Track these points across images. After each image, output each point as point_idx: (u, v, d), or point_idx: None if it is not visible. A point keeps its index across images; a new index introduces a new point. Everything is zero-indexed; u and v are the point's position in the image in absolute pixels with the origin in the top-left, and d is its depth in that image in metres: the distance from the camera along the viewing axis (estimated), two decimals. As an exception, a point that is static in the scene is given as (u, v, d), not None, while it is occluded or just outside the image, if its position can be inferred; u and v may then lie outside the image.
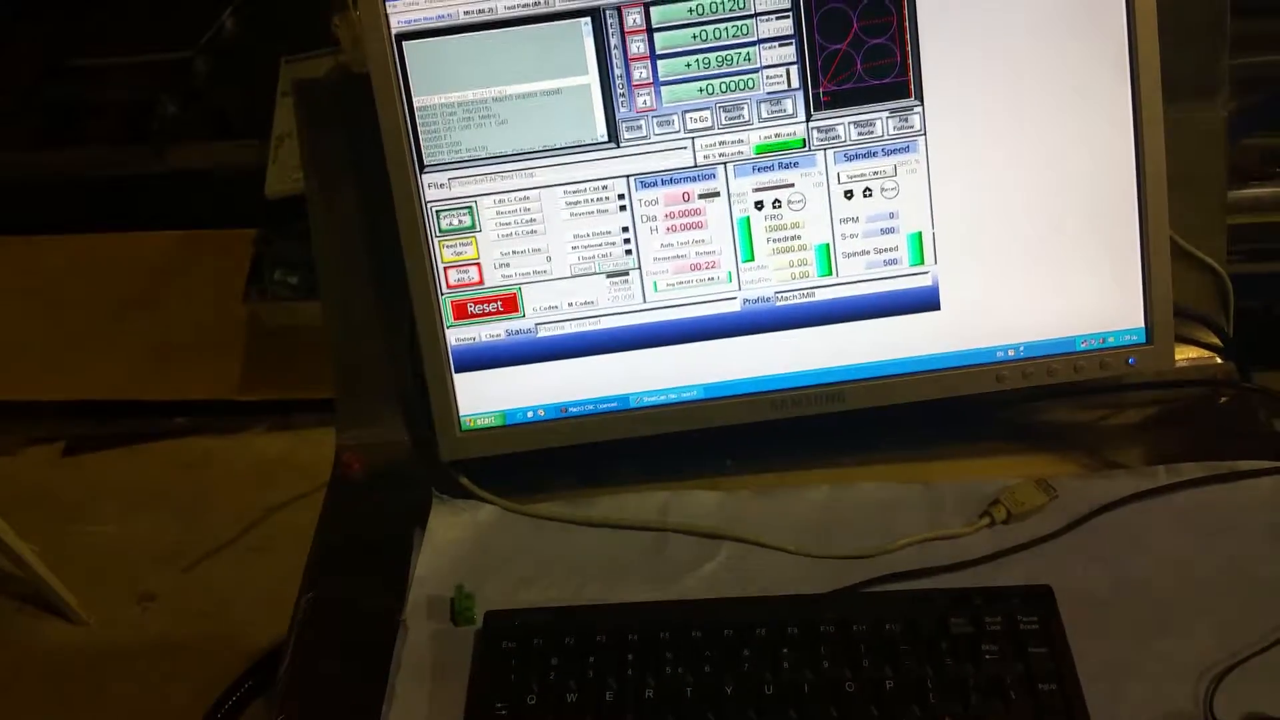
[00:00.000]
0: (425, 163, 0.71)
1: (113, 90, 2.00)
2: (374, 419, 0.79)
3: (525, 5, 0.69)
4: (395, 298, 0.74)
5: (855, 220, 0.70)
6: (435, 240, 0.72)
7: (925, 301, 0.71)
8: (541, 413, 0.73)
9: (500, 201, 0.71)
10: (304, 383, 1.92)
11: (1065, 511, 0.67)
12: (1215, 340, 0.78)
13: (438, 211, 0.71)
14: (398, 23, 0.69)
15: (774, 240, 0.71)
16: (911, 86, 0.69)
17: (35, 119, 1.88)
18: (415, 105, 0.70)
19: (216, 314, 1.83)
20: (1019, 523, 0.67)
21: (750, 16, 0.68)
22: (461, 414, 0.73)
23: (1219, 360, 0.78)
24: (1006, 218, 0.70)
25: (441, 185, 0.71)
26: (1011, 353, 0.71)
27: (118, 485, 1.92)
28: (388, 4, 0.69)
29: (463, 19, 0.69)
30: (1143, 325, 0.71)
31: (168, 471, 1.94)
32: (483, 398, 0.73)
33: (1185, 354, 0.77)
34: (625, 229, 0.71)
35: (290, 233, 1.74)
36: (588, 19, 0.69)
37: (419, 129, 0.70)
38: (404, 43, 0.70)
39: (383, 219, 0.73)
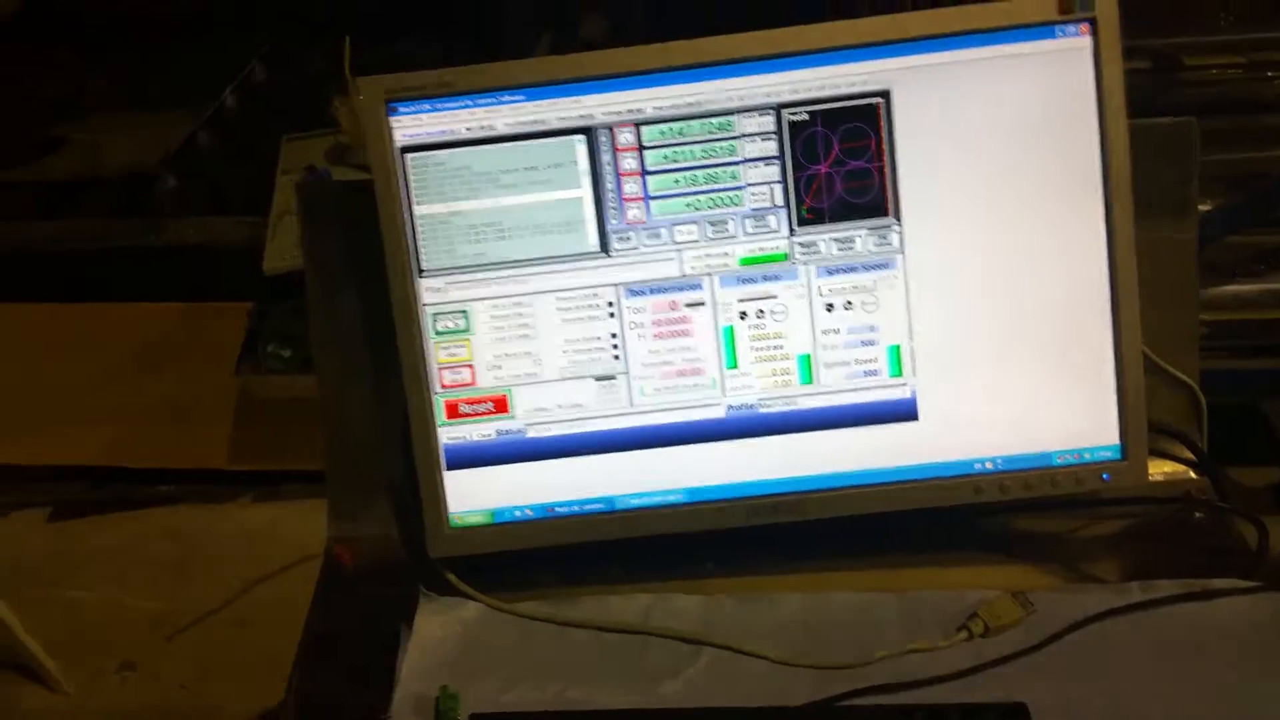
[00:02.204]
0: (424, 268, 0.73)
1: (112, 163, 2.04)
2: (366, 512, 0.80)
3: (523, 123, 0.72)
4: (389, 394, 0.76)
5: (836, 332, 0.73)
6: (430, 342, 0.74)
7: (903, 412, 0.73)
8: (529, 512, 0.74)
9: (494, 306, 0.73)
10: (292, 455, 1.92)
11: (1041, 627, 0.68)
12: (1189, 455, 0.80)
13: (434, 314, 0.74)
14: (402, 136, 0.72)
15: (757, 349, 0.73)
16: (890, 206, 0.72)
17: (35, 189, 1.92)
18: (416, 214, 0.73)
19: (208, 385, 1.84)
20: (995, 636, 0.68)
21: (736, 138, 0.72)
22: (450, 511, 0.74)
23: (1193, 475, 0.80)
24: (983, 332, 0.73)
25: (438, 289, 0.73)
26: (989, 465, 0.73)
27: (103, 552, 1.91)
28: (392, 119, 0.72)
29: (464, 134, 0.72)
30: (1118, 441, 0.73)
31: (153, 539, 1.93)
32: (472, 496, 0.75)
33: (1160, 468, 0.79)
34: (614, 335, 0.73)
35: (285, 308, 1.77)
36: (582, 136, 0.72)
37: (419, 236, 0.73)
38: (407, 155, 0.73)
39: (379, 317, 0.75)
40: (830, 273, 0.73)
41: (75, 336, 1.84)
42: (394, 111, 0.72)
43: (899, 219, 0.72)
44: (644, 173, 0.72)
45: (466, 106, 0.72)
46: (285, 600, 1.79)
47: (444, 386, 0.74)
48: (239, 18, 2.21)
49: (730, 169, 0.72)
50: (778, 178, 0.72)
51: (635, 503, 0.74)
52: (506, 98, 0.72)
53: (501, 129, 0.72)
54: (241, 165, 1.88)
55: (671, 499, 0.74)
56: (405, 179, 0.73)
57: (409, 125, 0.72)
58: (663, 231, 0.73)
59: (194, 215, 1.80)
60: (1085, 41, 0.70)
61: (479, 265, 0.73)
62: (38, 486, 2.04)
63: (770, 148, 0.72)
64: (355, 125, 1.84)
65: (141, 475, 2.00)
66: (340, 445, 0.82)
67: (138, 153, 2.01)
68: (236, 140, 1.93)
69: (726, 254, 0.73)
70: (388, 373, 0.76)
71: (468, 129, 0.72)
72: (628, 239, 0.73)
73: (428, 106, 0.72)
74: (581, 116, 0.72)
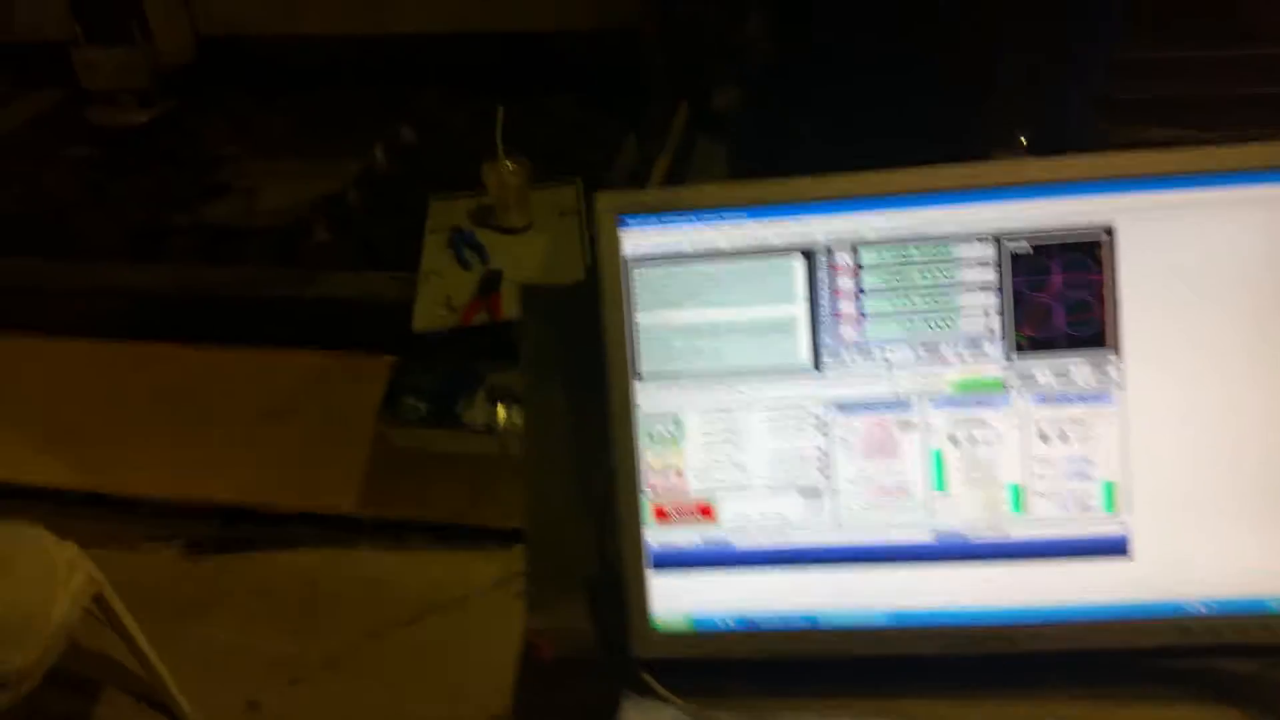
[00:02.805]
0: (641, 373, 0.76)
1: (268, 212, 2.14)
2: (563, 605, 0.82)
3: (745, 240, 0.74)
4: (593, 491, 0.79)
5: (1048, 462, 0.73)
6: (642, 445, 0.76)
7: (1115, 548, 0.73)
8: (731, 623, 0.76)
9: (706, 415, 0.75)
10: (419, 504, 1.98)
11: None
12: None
13: (648, 419, 0.76)
14: (630, 248, 0.75)
15: (967, 474, 0.74)
16: (1110, 339, 0.72)
17: (197, 236, 2.02)
18: (637, 321, 0.76)
19: (346, 432, 1.90)
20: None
21: (954, 263, 0.73)
22: (654, 614, 0.76)
23: None
24: (1203, 472, 0.72)
25: (654, 395, 0.76)
26: (1201, 608, 0.72)
27: (234, 590, 1.98)
28: (622, 231, 0.75)
29: (688, 249, 0.75)
30: (1340, 589, 0.72)
31: (283, 580, 1.99)
32: (676, 600, 0.76)
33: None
34: (822, 450, 0.75)
35: (425, 363, 1.82)
36: (801, 256, 0.74)
37: (639, 343, 0.76)
38: (633, 265, 0.75)
39: (588, 417, 0.78)
40: (1045, 402, 0.73)
41: (223, 377, 1.92)
42: (624, 224, 0.75)
43: (1119, 352, 0.72)
44: (860, 293, 0.74)
45: (692, 223, 0.75)
46: (408, 651, 1.84)
47: (652, 489, 0.76)
48: (395, 74, 2.32)
49: (946, 294, 0.73)
50: (995, 305, 0.73)
51: (838, 622, 0.75)
52: (730, 216, 0.74)
53: (723, 245, 0.75)
54: (389, 220, 1.95)
55: (875, 621, 0.74)
56: (630, 288, 0.76)
57: (637, 238, 0.75)
58: (875, 351, 0.74)
59: (342, 267, 1.88)
60: (1320, 187, 0.70)
61: (694, 374, 0.75)
62: (168, 521, 2.12)
63: (988, 275, 0.73)
64: (501, 190, 1.91)
65: (268, 515, 2.07)
66: (542, 537, 0.84)
67: (293, 203, 2.11)
68: (385, 196, 2.01)
69: (939, 377, 0.73)
70: (591, 469, 0.78)
71: (692, 244, 0.75)
72: (840, 356, 0.74)
73: (655, 221, 0.75)
74: (801, 237, 0.74)
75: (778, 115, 1.97)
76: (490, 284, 1.74)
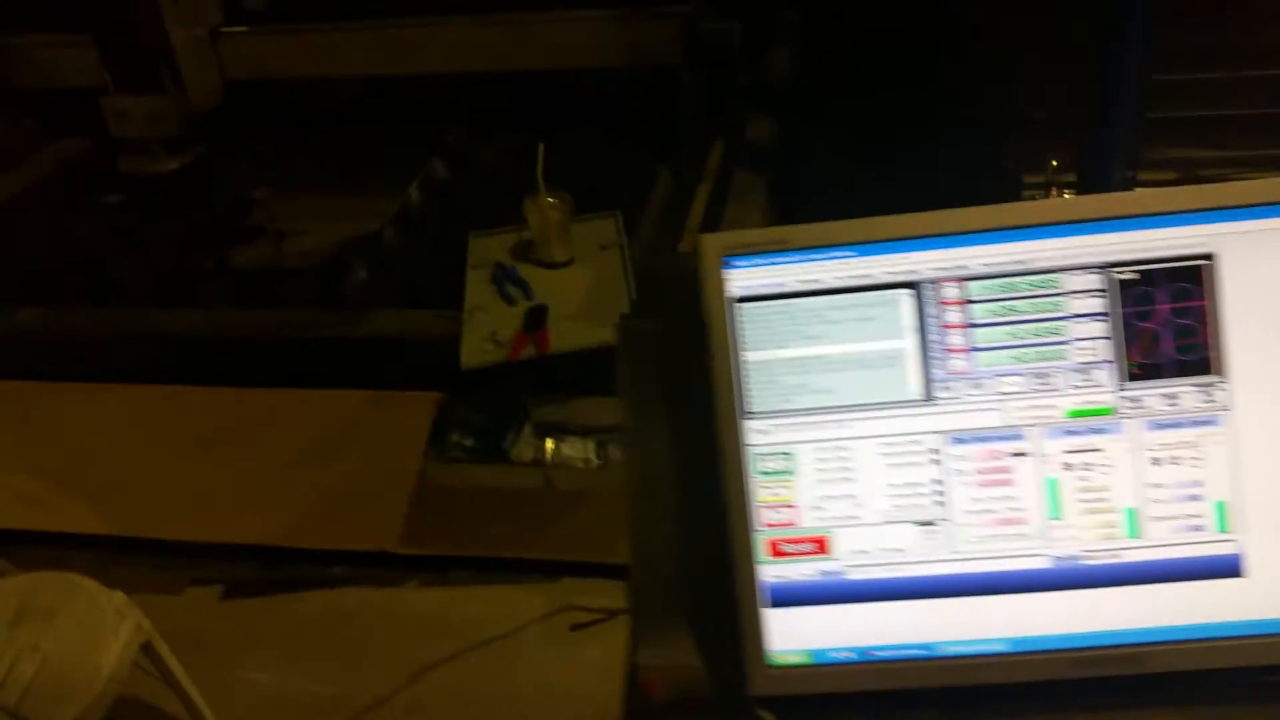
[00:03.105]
0: (749, 410, 0.77)
1: (304, 253, 2.16)
2: (670, 642, 0.82)
3: (851, 277, 0.76)
4: (698, 526, 0.79)
5: (1161, 486, 0.74)
6: (754, 481, 0.77)
7: (1229, 568, 0.74)
8: (849, 655, 0.76)
9: (818, 449, 0.76)
10: (462, 541, 1.98)
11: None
12: None
13: (758, 455, 0.77)
14: (735, 288, 0.77)
15: (1082, 501, 0.74)
16: (1216, 364, 0.73)
17: (234, 279, 2.03)
18: (744, 359, 0.77)
19: (388, 470, 1.91)
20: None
21: (1062, 294, 0.74)
22: (770, 650, 0.77)
23: None
24: (1316, 493, 0.73)
25: (764, 432, 0.77)
26: (1322, 626, 0.73)
27: (275, 632, 1.97)
28: (727, 271, 0.77)
29: (793, 287, 0.76)
30: None
31: (324, 621, 1.99)
32: (791, 635, 0.77)
33: None
34: (936, 481, 0.75)
35: (471, 399, 1.83)
36: (909, 290, 0.75)
37: (747, 381, 0.77)
38: (739, 305, 0.76)
39: (692, 451, 0.78)
40: (1156, 427, 0.74)
41: (264, 419, 1.92)
42: (729, 265, 0.77)
43: (1226, 376, 0.73)
44: (968, 326, 0.75)
45: (798, 261, 0.76)
46: (456, 688, 1.84)
47: (765, 525, 0.77)
48: (419, 113, 2.34)
49: (1055, 324, 0.74)
50: (1105, 334, 0.74)
51: (956, 650, 0.75)
52: (836, 254, 0.76)
53: (830, 282, 0.76)
54: (427, 258, 1.97)
55: (993, 648, 0.75)
56: (737, 327, 0.77)
57: (742, 278, 0.77)
58: (986, 382, 0.75)
59: (382, 305, 1.89)
60: None
61: (804, 410, 0.76)
62: (209, 563, 2.12)
63: (1097, 304, 0.74)
64: (543, 225, 1.92)
65: (310, 556, 2.07)
66: (646, 573, 0.84)
67: (327, 243, 2.12)
68: (421, 233, 2.02)
69: (1051, 406, 0.74)
70: (697, 505, 0.79)
71: (798, 281, 0.76)
72: (951, 388, 0.75)
73: (761, 261, 0.76)
74: (909, 272, 0.75)
75: (810, 148, 2.00)
76: (535, 319, 1.76)
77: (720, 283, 0.77)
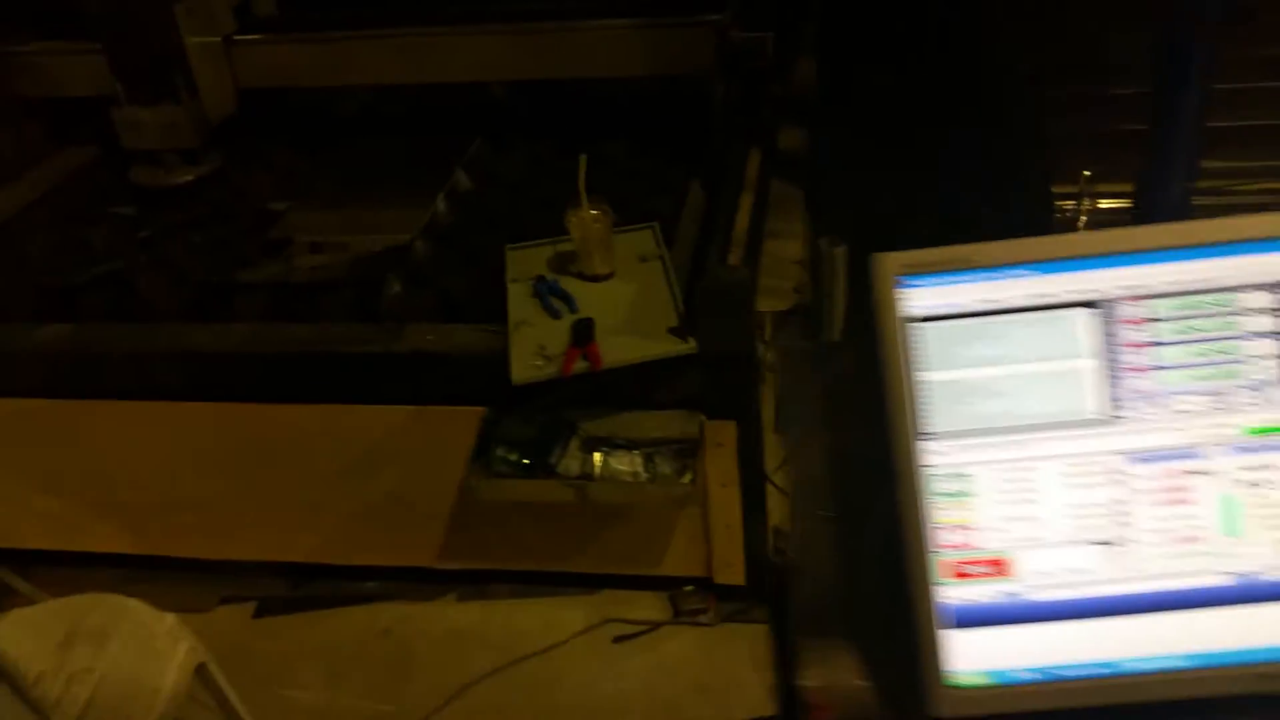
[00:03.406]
0: (925, 431, 0.76)
1: (337, 269, 2.11)
2: (833, 663, 0.82)
3: (1031, 296, 0.75)
4: (860, 547, 0.79)
5: (1340, 502, 0.75)
6: (930, 502, 0.76)
7: None
8: (1032, 675, 0.76)
9: (998, 470, 0.76)
10: (500, 555, 1.95)
11: None
12: None
13: (935, 476, 0.76)
14: (910, 308, 0.76)
15: (1262, 517, 0.75)
16: (1390, 380, 0.74)
17: (264, 293, 1.98)
18: (919, 379, 0.76)
19: (429, 486, 1.87)
20: None
21: (1239, 314, 0.75)
22: (951, 671, 0.76)
23: None
24: None
25: (940, 452, 0.76)
26: None
27: (315, 649, 1.92)
28: (902, 290, 0.76)
29: (970, 306, 0.76)
30: None
31: (363, 638, 1.94)
32: (971, 657, 0.76)
33: None
34: (1118, 501, 0.75)
35: (516, 413, 1.80)
36: (1091, 309, 0.75)
37: (922, 401, 0.76)
38: (914, 325, 0.76)
39: (855, 471, 0.78)
40: (1334, 444, 0.75)
41: (303, 435, 1.88)
42: (903, 284, 0.76)
43: (1401, 393, 0.74)
44: (1152, 344, 0.75)
45: (976, 281, 0.76)
46: (503, 702, 1.81)
47: (942, 546, 0.76)
48: (443, 120, 2.31)
49: (1232, 343, 0.75)
50: (1278, 351, 0.75)
51: (1139, 667, 0.75)
52: (1016, 273, 0.76)
53: (1009, 302, 0.76)
54: (460, 270, 1.93)
55: (1175, 664, 0.75)
56: (910, 347, 0.76)
57: (918, 297, 0.76)
58: (1164, 401, 0.75)
59: (418, 319, 1.85)
60: None
61: (982, 430, 0.76)
62: (236, 581, 2.06)
63: (1270, 323, 0.75)
64: (584, 237, 1.90)
65: (341, 572, 2.02)
66: (809, 594, 0.84)
67: (356, 256, 2.08)
68: (450, 246, 1.99)
69: (1230, 424, 0.75)
70: (858, 525, 0.78)
71: (975, 301, 0.76)
72: (1131, 408, 0.75)
73: (937, 280, 0.76)
74: (1090, 291, 0.75)
75: (842, 160, 2.00)
76: (583, 333, 1.73)
77: (893, 301, 0.76)
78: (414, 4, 2.25)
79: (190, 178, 2.15)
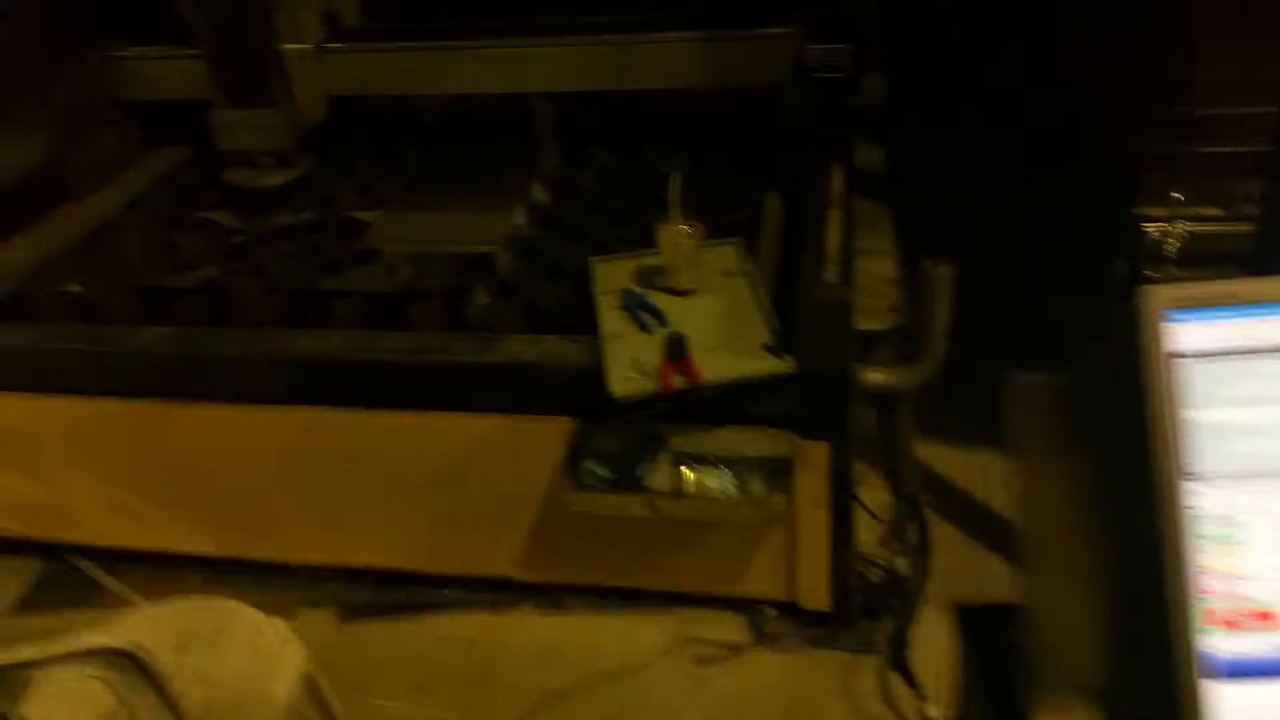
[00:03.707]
0: (1195, 472, 0.73)
1: (427, 278, 2.08)
2: (1071, 710, 0.78)
3: (1304, 334, 0.73)
4: (1111, 589, 0.75)
5: None
6: (1197, 548, 0.73)
7: None
8: (1304, 731, 0.73)
9: (1273, 517, 0.73)
10: (582, 568, 1.91)
11: None
12: None
13: (1203, 520, 0.73)
14: (1175, 343, 0.73)
15: None
16: None
17: (358, 301, 1.95)
18: (1189, 419, 0.73)
19: (515, 496, 1.84)
20: None
21: None
22: (1217, 725, 0.73)
23: None
24: None
25: (1205, 494, 0.73)
26: None
27: (401, 659, 1.88)
28: (1167, 325, 0.73)
29: (1241, 343, 0.73)
30: None
31: (445, 647, 1.91)
32: (1242, 711, 0.73)
33: None
34: (1395, 550, 0.73)
35: (608, 427, 1.77)
36: (1367, 349, 0.72)
37: (1191, 442, 0.73)
38: (1179, 361, 0.73)
39: (1097, 511, 0.74)
40: None
41: (391, 442, 1.85)
42: (1171, 319, 0.73)
43: None
44: None
45: (1248, 317, 0.73)
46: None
47: (1206, 593, 0.73)
48: (510, 131, 2.27)
49: None
50: None
51: None
52: (1289, 310, 0.73)
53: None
54: (544, 282, 1.90)
55: None
56: (1178, 384, 0.73)
57: (1185, 332, 0.73)
58: None
59: (506, 330, 1.82)
60: None
61: (1257, 474, 0.73)
62: (321, 586, 2.02)
63: None
64: (674, 252, 1.86)
65: (423, 579, 1.99)
66: (1048, 638, 0.80)
67: (443, 265, 2.05)
68: (534, 257, 1.95)
69: None
70: (1103, 566, 0.75)
71: (1246, 338, 0.73)
72: (1406, 453, 0.73)
73: (1206, 316, 0.73)
74: (1365, 330, 0.72)
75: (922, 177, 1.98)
76: (676, 348, 1.70)
77: (1158, 337, 0.73)
78: (493, 16, 2.25)
79: (281, 180, 2.16)
